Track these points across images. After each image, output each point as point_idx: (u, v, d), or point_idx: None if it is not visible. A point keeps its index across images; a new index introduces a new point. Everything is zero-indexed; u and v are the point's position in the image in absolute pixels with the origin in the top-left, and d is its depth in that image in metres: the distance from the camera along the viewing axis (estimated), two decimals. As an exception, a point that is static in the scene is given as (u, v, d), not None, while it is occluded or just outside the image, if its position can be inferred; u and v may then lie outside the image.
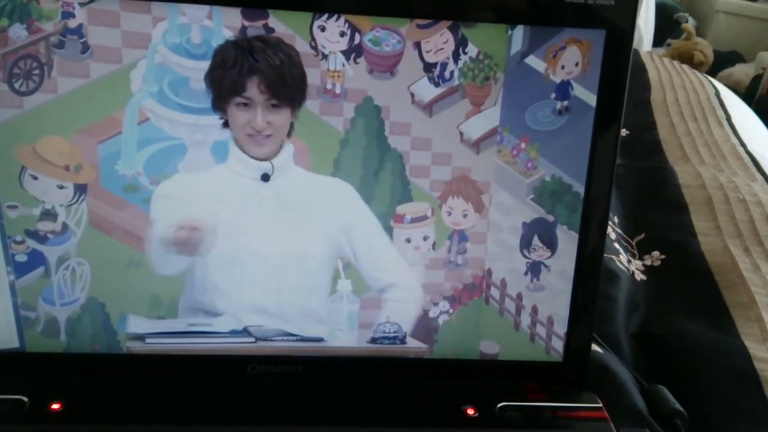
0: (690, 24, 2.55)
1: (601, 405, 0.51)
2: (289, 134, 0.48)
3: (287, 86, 0.46)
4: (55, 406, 0.47)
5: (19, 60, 0.44)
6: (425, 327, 0.53)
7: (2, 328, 0.49)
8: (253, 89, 0.46)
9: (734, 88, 1.65)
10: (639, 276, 0.78)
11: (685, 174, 0.96)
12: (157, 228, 0.48)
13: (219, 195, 0.48)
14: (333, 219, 0.50)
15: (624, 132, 0.48)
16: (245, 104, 0.47)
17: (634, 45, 0.48)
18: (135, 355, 0.50)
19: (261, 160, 0.48)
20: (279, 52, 0.46)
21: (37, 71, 0.45)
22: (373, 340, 0.52)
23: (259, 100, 0.47)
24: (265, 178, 0.48)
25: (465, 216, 0.51)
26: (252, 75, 0.46)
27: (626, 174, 0.97)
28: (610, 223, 0.82)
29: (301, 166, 0.48)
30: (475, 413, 0.50)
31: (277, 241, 0.50)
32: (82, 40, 0.44)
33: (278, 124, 0.47)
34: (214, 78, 0.46)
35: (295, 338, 0.51)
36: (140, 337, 0.50)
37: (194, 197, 0.48)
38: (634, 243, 0.84)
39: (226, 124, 0.47)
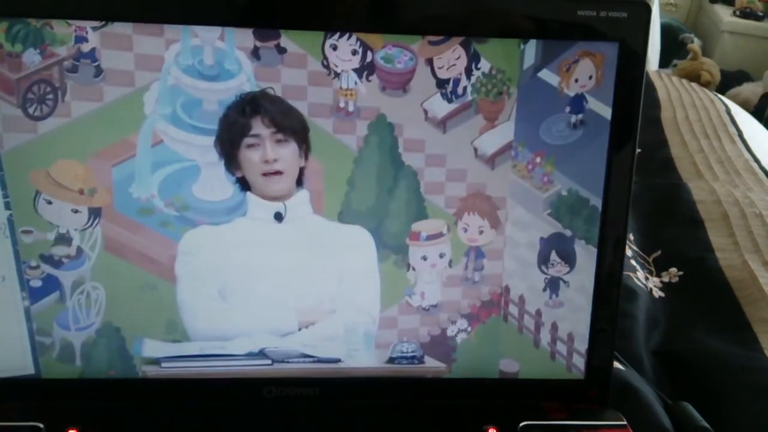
0: (696, 44, 2.55)
1: (626, 423, 0.50)
2: (300, 182, 0.48)
3: (289, 118, 0.47)
4: (71, 432, 0.47)
5: (32, 85, 0.45)
6: (443, 346, 0.52)
7: (17, 355, 0.48)
8: (259, 125, 0.47)
9: (742, 107, 1.64)
10: (657, 293, 0.77)
11: (699, 190, 0.96)
12: (185, 287, 0.49)
13: (239, 242, 0.49)
14: (344, 259, 0.50)
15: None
16: (255, 144, 0.47)
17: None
18: (150, 380, 0.50)
19: (276, 199, 0.48)
20: (281, 102, 0.47)
21: (50, 96, 0.45)
22: (391, 360, 0.52)
23: (266, 134, 0.47)
24: (278, 217, 0.49)
25: (481, 232, 0.50)
26: (256, 114, 0.47)
27: (640, 191, 0.97)
28: (625, 240, 0.81)
29: (315, 210, 0.49)
30: (496, 433, 0.49)
31: (292, 277, 0.50)
32: (95, 64, 0.45)
33: (288, 159, 0.48)
34: (223, 139, 0.47)
35: (311, 359, 0.51)
36: (156, 361, 0.50)
37: (215, 249, 0.49)
38: (650, 260, 0.83)
39: (242, 186, 0.48)
